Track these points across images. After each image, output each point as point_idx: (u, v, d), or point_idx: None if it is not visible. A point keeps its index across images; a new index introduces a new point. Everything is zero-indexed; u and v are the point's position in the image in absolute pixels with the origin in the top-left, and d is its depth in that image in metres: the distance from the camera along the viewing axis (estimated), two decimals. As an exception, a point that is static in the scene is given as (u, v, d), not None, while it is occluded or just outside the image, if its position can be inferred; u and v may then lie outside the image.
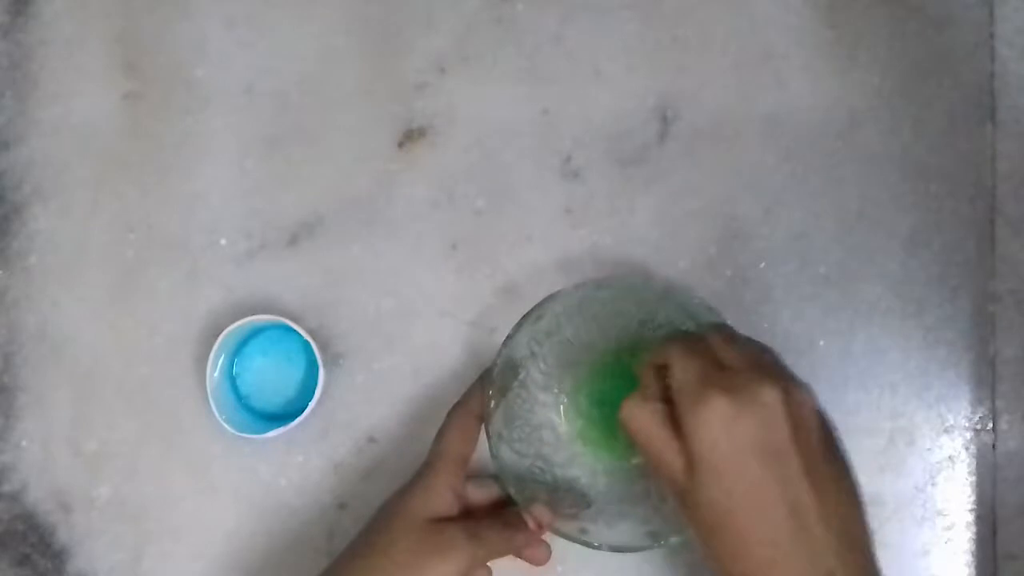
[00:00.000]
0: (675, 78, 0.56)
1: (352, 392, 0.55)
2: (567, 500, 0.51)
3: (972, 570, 0.54)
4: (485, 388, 0.50)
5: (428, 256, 0.56)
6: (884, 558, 0.54)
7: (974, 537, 0.54)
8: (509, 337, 0.50)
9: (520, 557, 0.51)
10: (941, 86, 0.56)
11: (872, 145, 0.56)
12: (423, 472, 0.50)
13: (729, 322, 0.49)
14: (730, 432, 0.40)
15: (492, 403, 0.50)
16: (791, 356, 0.54)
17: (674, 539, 0.48)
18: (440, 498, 0.49)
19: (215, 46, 0.57)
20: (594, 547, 0.49)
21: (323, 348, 0.54)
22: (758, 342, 0.45)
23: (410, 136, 0.56)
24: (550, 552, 0.51)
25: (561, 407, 0.53)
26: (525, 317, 0.50)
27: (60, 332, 0.56)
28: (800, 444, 0.40)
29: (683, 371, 0.42)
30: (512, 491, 0.49)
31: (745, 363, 0.42)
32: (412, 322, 0.55)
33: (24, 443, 0.55)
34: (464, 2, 0.57)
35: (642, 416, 0.42)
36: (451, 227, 0.56)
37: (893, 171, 0.56)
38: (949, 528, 0.54)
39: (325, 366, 0.52)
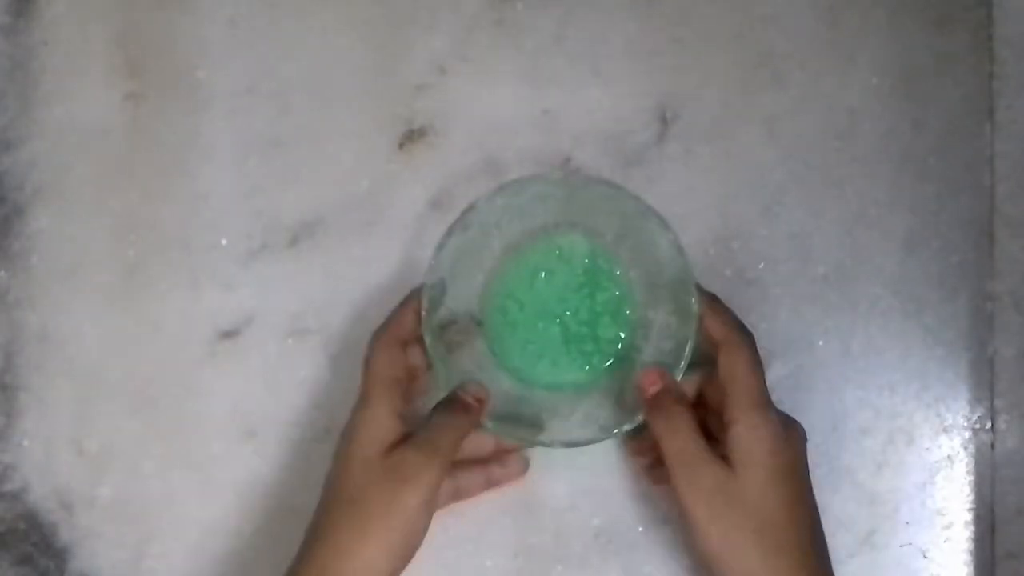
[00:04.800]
0: (675, 78, 0.57)
1: (353, 393, 0.54)
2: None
3: (971, 569, 0.54)
4: (421, 298, 0.50)
5: (429, 256, 0.55)
6: (882, 558, 0.54)
7: (973, 536, 0.54)
8: (484, 199, 0.50)
9: (493, 479, 0.52)
10: (940, 86, 0.56)
11: (871, 145, 0.56)
12: (359, 407, 0.49)
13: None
14: (782, 449, 0.46)
15: (426, 311, 0.50)
16: (790, 355, 0.55)
17: (626, 427, 0.49)
18: (385, 426, 0.47)
19: (217, 47, 0.57)
20: (546, 445, 0.50)
21: (323, 348, 0.54)
22: None
23: (410, 136, 0.56)
24: (526, 464, 0.53)
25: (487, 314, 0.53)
26: (504, 187, 0.50)
27: (61, 332, 0.56)
28: (808, 480, 0.47)
29: (758, 382, 0.47)
30: (445, 387, 0.50)
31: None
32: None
33: (26, 443, 0.55)
34: (464, 3, 0.57)
35: (682, 418, 0.48)
36: (451, 227, 0.56)
37: (892, 171, 0.56)
38: (948, 527, 0.54)
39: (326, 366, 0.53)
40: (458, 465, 0.51)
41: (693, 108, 0.56)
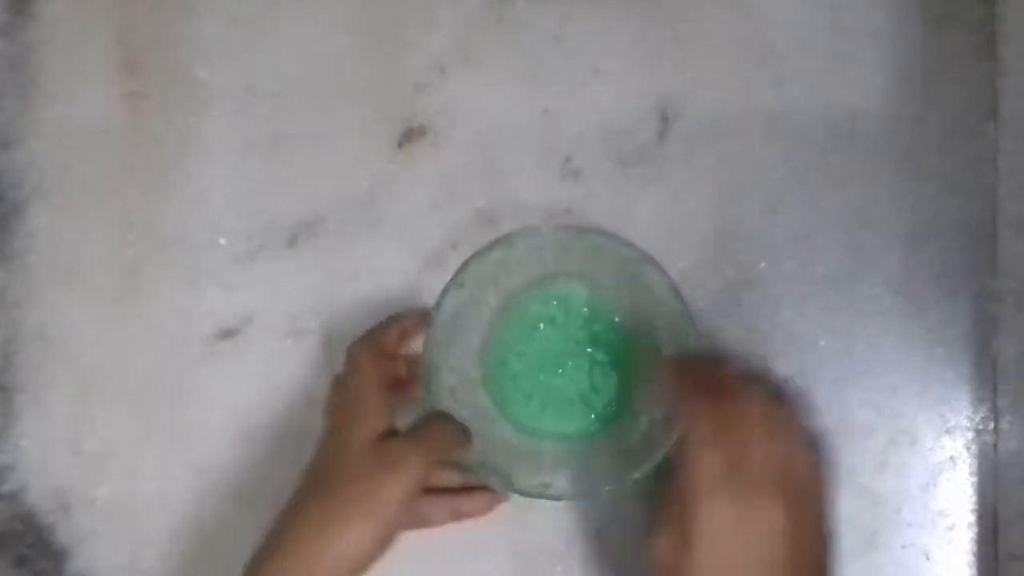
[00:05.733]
0: (675, 78, 0.57)
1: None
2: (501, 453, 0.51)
3: (974, 571, 0.54)
4: (427, 323, 0.50)
5: (429, 256, 0.56)
6: (885, 559, 0.54)
7: (976, 537, 0.54)
8: (478, 254, 0.50)
9: (459, 511, 0.51)
10: (942, 85, 0.56)
11: (872, 145, 0.56)
12: (351, 403, 0.48)
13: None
14: (732, 538, 0.41)
15: (432, 337, 0.50)
16: (792, 356, 0.55)
17: (635, 474, 0.48)
18: (378, 417, 0.47)
19: (216, 46, 0.57)
20: (557, 499, 0.49)
21: (322, 348, 0.54)
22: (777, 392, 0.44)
23: (410, 136, 0.56)
24: (495, 501, 0.52)
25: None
26: (498, 241, 0.50)
27: (60, 332, 0.56)
28: (795, 564, 0.41)
29: (708, 462, 0.41)
30: (433, 399, 0.50)
31: (767, 467, 0.42)
32: (412, 322, 0.55)
33: (23, 443, 0.55)
34: (464, 2, 0.57)
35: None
36: (451, 227, 0.56)
37: (894, 171, 0.56)
38: (951, 528, 0.54)
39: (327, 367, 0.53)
40: (424, 492, 0.49)
41: (693, 108, 0.56)
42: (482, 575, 0.54)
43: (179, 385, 0.55)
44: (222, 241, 0.56)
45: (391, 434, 0.47)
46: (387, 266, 0.56)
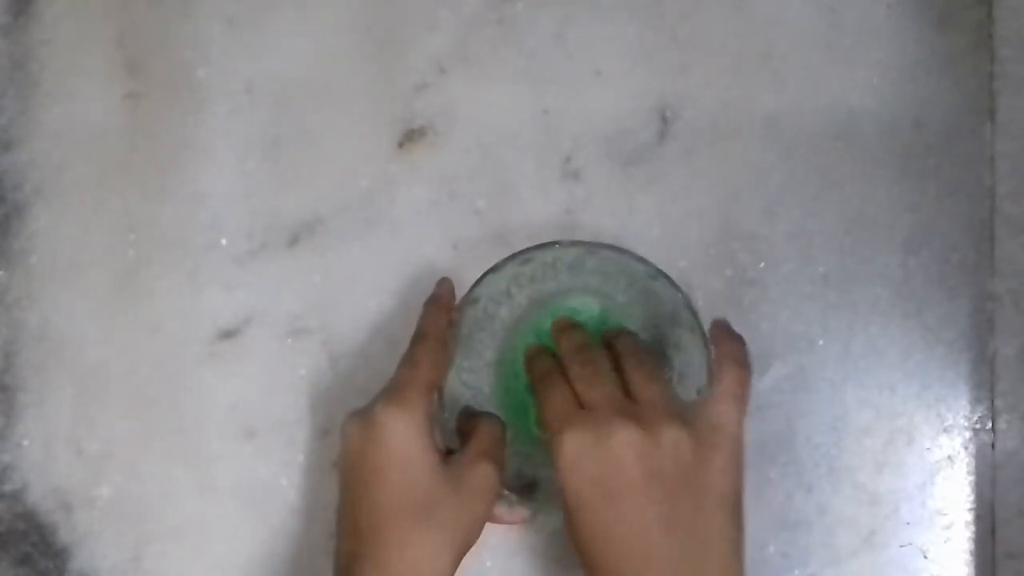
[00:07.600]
0: (675, 78, 0.57)
1: (353, 392, 0.55)
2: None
3: (971, 569, 0.54)
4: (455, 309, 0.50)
5: (429, 256, 0.56)
6: (883, 558, 0.54)
7: (973, 536, 0.54)
8: (492, 270, 0.50)
9: (495, 515, 0.50)
10: (941, 86, 0.56)
11: (872, 145, 0.56)
12: (394, 403, 0.46)
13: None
14: (577, 470, 0.44)
15: (455, 327, 0.50)
16: (791, 355, 0.55)
17: None
18: (427, 431, 0.46)
19: (216, 46, 0.57)
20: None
21: (323, 348, 0.54)
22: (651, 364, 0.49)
23: (410, 136, 0.56)
24: (531, 515, 0.51)
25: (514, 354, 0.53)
26: (513, 257, 0.50)
27: (61, 332, 0.56)
28: (654, 487, 0.43)
29: (549, 407, 0.47)
30: (447, 416, 0.50)
31: (607, 405, 0.45)
32: (413, 322, 0.55)
33: (25, 442, 0.55)
34: (464, 2, 0.57)
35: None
36: (451, 227, 0.56)
37: (893, 171, 0.56)
38: (948, 527, 0.54)
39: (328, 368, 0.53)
40: None
41: (693, 108, 0.56)
42: (482, 575, 0.54)
43: (179, 385, 0.55)
44: (223, 241, 0.56)
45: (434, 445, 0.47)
46: (387, 266, 0.56)
